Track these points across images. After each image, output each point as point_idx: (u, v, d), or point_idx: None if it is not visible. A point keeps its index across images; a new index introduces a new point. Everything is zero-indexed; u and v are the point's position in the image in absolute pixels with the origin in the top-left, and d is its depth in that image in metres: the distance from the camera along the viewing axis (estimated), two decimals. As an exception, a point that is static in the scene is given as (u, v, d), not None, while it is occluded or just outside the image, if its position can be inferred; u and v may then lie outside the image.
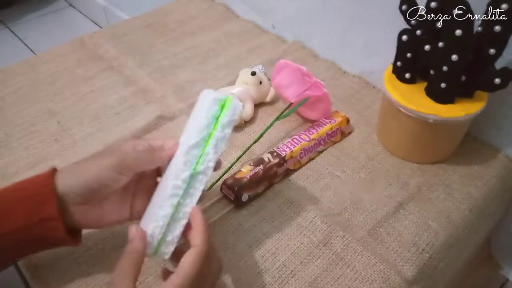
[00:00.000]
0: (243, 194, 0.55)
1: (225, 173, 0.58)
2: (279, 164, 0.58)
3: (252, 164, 0.58)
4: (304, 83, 0.62)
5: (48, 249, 0.45)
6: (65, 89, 0.77)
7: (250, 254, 0.51)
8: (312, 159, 0.63)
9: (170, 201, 0.41)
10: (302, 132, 0.63)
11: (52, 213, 0.40)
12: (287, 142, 0.61)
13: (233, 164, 0.60)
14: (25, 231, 0.41)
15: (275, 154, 0.59)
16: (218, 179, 0.58)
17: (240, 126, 0.68)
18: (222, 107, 0.44)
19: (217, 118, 0.44)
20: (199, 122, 0.43)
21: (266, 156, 0.59)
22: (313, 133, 0.63)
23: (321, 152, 0.64)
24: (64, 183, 0.41)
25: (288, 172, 0.60)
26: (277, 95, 0.71)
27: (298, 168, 0.61)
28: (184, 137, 0.44)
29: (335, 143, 0.65)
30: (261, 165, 0.57)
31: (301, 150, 0.60)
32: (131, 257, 0.39)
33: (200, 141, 0.43)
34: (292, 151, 0.60)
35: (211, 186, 0.58)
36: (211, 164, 0.43)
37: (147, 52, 0.86)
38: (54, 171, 0.43)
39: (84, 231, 0.53)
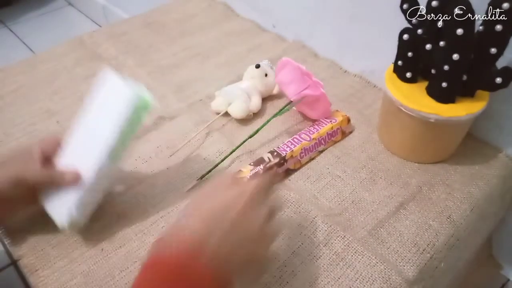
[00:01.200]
0: None
1: (217, 165, 0.60)
2: (279, 164, 0.58)
3: (252, 164, 0.58)
4: (303, 82, 0.62)
5: None
6: (64, 89, 0.77)
7: (250, 254, 0.51)
8: (313, 158, 0.62)
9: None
10: (302, 131, 0.63)
11: None
12: (287, 142, 0.61)
13: (226, 157, 0.61)
14: None
15: (275, 154, 0.59)
16: (210, 170, 0.59)
17: (249, 118, 0.69)
18: (141, 105, 0.45)
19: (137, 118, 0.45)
20: (117, 123, 0.44)
21: (266, 156, 0.58)
22: (313, 132, 0.62)
23: (321, 151, 0.63)
24: None
25: (289, 172, 0.60)
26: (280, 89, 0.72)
27: (299, 168, 0.61)
28: (95, 126, 0.46)
29: (335, 142, 0.65)
30: (261, 165, 0.57)
31: (302, 149, 0.60)
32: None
33: (118, 138, 0.45)
34: (292, 150, 0.59)
35: (202, 177, 0.59)
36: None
37: (147, 51, 0.86)
38: None
39: (83, 231, 0.53)
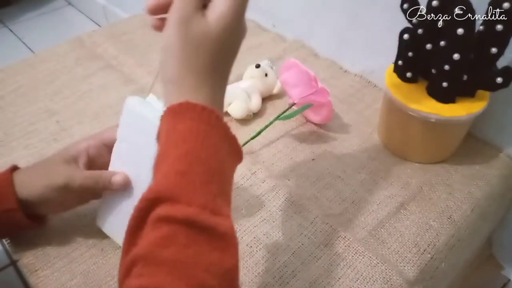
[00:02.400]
0: None
1: None
2: None
3: None
4: (310, 87, 0.62)
5: (17, 233, 0.50)
6: (64, 88, 0.76)
7: (250, 254, 0.51)
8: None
9: None
10: None
11: (12, 205, 0.45)
12: None
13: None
14: None
15: None
16: None
17: (249, 118, 0.68)
18: None
19: None
20: (151, 155, 0.44)
21: None
22: None
23: None
24: (22, 190, 0.45)
25: None
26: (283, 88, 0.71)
27: None
28: (134, 162, 0.46)
29: None
30: None
31: None
32: None
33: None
34: None
35: None
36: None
37: (147, 51, 0.85)
38: (13, 169, 0.47)
39: (83, 231, 0.53)
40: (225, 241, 0.30)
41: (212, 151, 0.33)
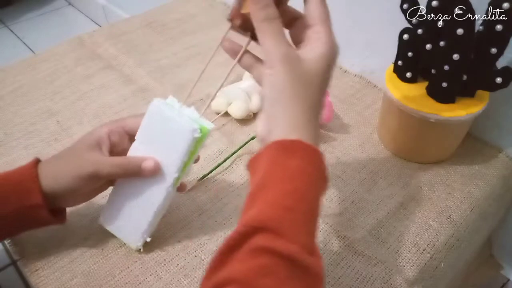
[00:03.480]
0: None
1: (218, 165, 0.60)
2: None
3: None
4: None
5: (36, 228, 0.48)
6: (64, 88, 0.77)
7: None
8: None
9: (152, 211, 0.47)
10: None
11: (37, 201, 0.44)
12: None
13: (227, 158, 0.61)
14: (16, 216, 0.44)
15: None
16: (211, 171, 0.59)
17: (249, 118, 0.69)
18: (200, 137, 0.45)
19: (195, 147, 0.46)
20: (180, 156, 0.45)
21: None
22: None
23: None
24: (47, 183, 0.44)
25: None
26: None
27: None
28: (161, 162, 0.46)
29: None
30: None
31: None
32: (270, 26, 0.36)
33: (181, 169, 0.46)
34: None
35: (203, 177, 0.59)
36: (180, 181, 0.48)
37: (147, 51, 0.86)
38: (36, 162, 0.46)
39: (84, 231, 0.53)
40: (316, 280, 0.31)
41: (315, 192, 0.34)
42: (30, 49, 1.72)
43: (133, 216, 0.48)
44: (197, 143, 0.45)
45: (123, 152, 0.47)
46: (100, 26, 1.74)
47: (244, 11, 0.38)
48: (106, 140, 0.46)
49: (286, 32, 0.39)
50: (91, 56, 0.84)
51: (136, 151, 0.47)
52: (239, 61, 0.40)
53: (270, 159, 0.34)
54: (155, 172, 0.45)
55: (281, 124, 0.35)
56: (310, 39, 0.37)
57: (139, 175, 0.45)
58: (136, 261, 0.50)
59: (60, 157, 0.47)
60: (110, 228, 0.50)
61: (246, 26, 0.38)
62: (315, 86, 0.36)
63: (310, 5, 0.37)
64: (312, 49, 0.36)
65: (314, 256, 0.31)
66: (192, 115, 0.45)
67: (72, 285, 0.48)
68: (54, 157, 0.47)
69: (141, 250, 0.50)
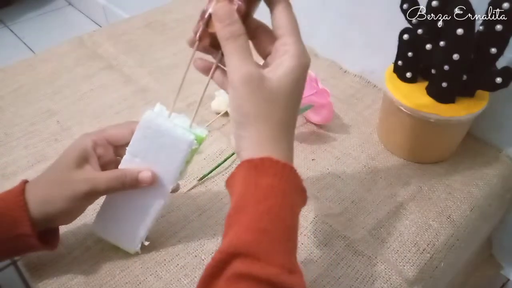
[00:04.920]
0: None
1: (218, 165, 0.60)
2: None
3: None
4: (310, 88, 0.62)
5: (27, 253, 0.48)
6: (64, 88, 0.77)
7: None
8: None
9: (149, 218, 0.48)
10: None
11: (26, 230, 0.42)
12: None
13: (227, 158, 0.61)
14: (4, 244, 0.43)
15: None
16: (211, 171, 0.60)
17: None
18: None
19: (189, 159, 0.46)
20: (177, 167, 0.45)
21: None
22: None
23: None
24: (38, 210, 0.43)
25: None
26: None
27: None
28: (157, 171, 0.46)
29: None
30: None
31: None
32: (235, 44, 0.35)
33: (178, 177, 0.46)
34: None
35: (202, 177, 0.59)
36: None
37: (147, 51, 0.86)
38: (23, 187, 0.43)
39: (83, 231, 0.53)
40: None
41: (290, 209, 0.34)
42: (30, 49, 1.73)
43: (130, 225, 0.48)
44: (193, 151, 0.45)
45: (109, 164, 0.47)
46: (100, 26, 1.74)
47: (212, 30, 0.37)
48: (92, 153, 0.45)
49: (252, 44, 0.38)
50: (91, 56, 0.84)
51: (129, 163, 0.46)
52: (212, 77, 0.39)
53: (243, 178, 0.34)
54: (153, 183, 0.45)
55: (249, 143, 0.35)
56: (277, 52, 0.36)
57: (136, 187, 0.44)
58: (136, 261, 0.50)
59: (48, 178, 0.44)
60: (106, 236, 0.50)
61: (214, 45, 0.38)
62: (282, 103, 0.34)
63: (276, 15, 0.36)
64: (278, 64, 0.35)
65: (295, 274, 0.31)
66: (183, 123, 0.44)
67: (72, 285, 0.48)
68: (41, 177, 0.45)
69: (139, 252, 0.50)
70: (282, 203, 0.33)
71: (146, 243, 0.49)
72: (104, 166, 0.46)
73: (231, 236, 0.31)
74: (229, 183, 0.36)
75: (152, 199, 0.47)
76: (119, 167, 0.46)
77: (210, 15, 0.36)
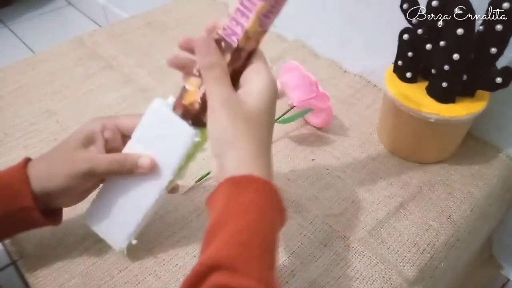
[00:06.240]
0: (204, 118, 0.42)
1: None
2: (234, 60, 0.39)
3: (197, 74, 0.41)
4: (310, 91, 0.62)
5: (31, 229, 0.47)
6: (64, 88, 0.77)
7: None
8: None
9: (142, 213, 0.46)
10: None
11: (28, 203, 0.42)
12: (234, 15, 0.39)
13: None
14: (6, 218, 0.43)
15: (223, 45, 0.39)
16: (209, 173, 0.59)
17: None
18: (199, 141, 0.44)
19: (191, 154, 0.45)
20: (177, 159, 0.44)
21: None
22: None
23: None
24: (39, 184, 0.43)
25: (250, 54, 0.40)
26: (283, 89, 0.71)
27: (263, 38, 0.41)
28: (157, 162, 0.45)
29: None
30: None
31: (260, 17, 0.38)
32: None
33: (176, 173, 0.45)
34: (246, 29, 0.38)
35: (201, 178, 0.59)
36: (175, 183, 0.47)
37: (147, 51, 0.86)
38: (26, 162, 0.45)
39: (82, 231, 0.53)
40: None
41: (270, 225, 0.35)
42: (30, 49, 1.73)
43: (121, 216, 0.47)
44: (196, 147, 0.44)
45: (115, 150, 0.46)
46: (100, 26, 1.74)
47: (184, 102, 0.42)
48: (99, 136, 0.45)
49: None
50: (91, 56, 0.84)
51: (131, 149, 0.46)
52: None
53: (225, 195, 0.35)
54: (151, 170, 0.44)
55: (230, 162, 0.36)
56: (249, 76, 0.39)
57: (134, 172, 0.44)
58: (135, 261, 0.50)
59: (52, 155, 0.45)
60: (95, 227, 0.48)
61: (186, 115, 0.42)
62: (259, 123, 0.37)
63: None
64: (252, 87, 0.38)
65: None
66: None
67: (71, 286, 0.48)
68: (45, 155, 0.46)
69: (125, 253, 0.48)
70: (262, 219, 0.34)
71: (134, 242, 0.47)
72: (111, 151, 0.46)
73: (211, 249, 0.32)
74: (210, 201, 0.37)
75: (146, 191, 0.45)
76: (123, 151, 0.46)
77: (185, 89, 0.42)
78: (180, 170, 0.45)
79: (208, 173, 0.59)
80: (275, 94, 0.39)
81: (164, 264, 0.50)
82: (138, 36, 0.90)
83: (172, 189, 0.48)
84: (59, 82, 0.78)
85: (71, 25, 1.89)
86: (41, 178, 0.43)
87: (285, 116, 0.64)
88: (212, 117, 0.37)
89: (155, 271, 0.49)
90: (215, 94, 0.37)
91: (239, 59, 0.40)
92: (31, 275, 0.49)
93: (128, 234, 0.47)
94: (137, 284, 0.48)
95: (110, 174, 0.45)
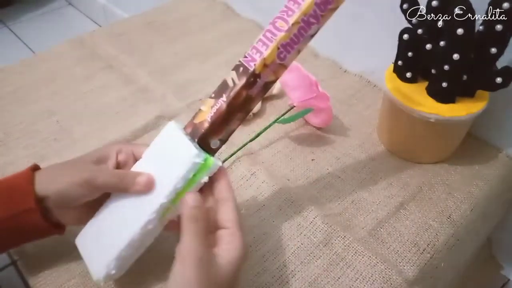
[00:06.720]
0: (211, 141, 0.43)
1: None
2: (249, 85, 0.40)
3: (213, 95, 0.42)
4: (310, 91, 0.62)
5: (34, 240, 0.46)
6: (64, 88, 0.77)
7: (250, 254, 0.51)
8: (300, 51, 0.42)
9: (138, 240, 0.42)
10: (275, 18, 0.41)
11: (30, 204, 0.42)
12: (257, 43, 0.41)
13: (226, 159, 0.61)
14: (7, 223, 0.42)
15: (241, 70, 0.41)
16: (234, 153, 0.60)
17: (248, 119, 0.68)
18: (202, 166, 0.41)
19: (194, 178, 0.42)
20: (173, 181, 0.41)
21: (230, 77, 0.42)
22: (292, 13, 0.40)
23: (313, 35, 0.42)
24: (42, 187, 0.43)
25: (267, 86, 0.42)
26: (283, 89, 0.71)
27: (282, 73, 0.42)
28: (156, 182, 0.43)
29: (335, 10, 0.42)
30: (224, 95, 0.41)
31: (279, 47, 0.40)
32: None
33: (172, 197, 0.42)
34: (264, 57, 0.40)
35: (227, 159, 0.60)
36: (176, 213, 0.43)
37: (147, 51, 0.86)
38: (34, 167, 0.45)
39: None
40: None
41: None
42: (30, 49, 1.73)
43: (107, 239, 0.43)
44: (197, 171, 0.41)
45: None
46: (100, 26, 1.74)
47: (195, 120, 0.43)
48: (113, 157, 0.46)
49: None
50: (91, 56, 0.84)
51: (137, 167, 0.45)
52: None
53: None
54: (147, 188, 0.42)
55: None
56: (223, 240, 0.39)
57: (131, 188, 0.43)
58: (135, 261, 0.50)
59: (62, 163, 0.46)
60: (80, 248, 0.46)
61: (194, 134, 0.43)
62: (224, 287, 0.37)
63: (225, 210, 0.41)
64: (225, 252, 0.39)
65: None
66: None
67: (71, 286, 0.48)
68: (55, 164, 0.46)
69: (102, 285, 0.44)
70: None
71: (113, 272, 0.42)
72: None
73: None
74: None
75: (137, 212, 0.42)
76: (131, 169, 0.46)
77: (200, 110, 0.43)
78: (177, 197, 0.41)
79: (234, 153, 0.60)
80: (244, 263, 0.39)
81: (164, 264, 0.49)
82: (138, 36, 0.90)
83: (169, 225, 0.44)
84: (59, 82, 0.78)
85: (71, 25, 1.89)
86: (44, 181, 0.43)
87: (285, 116, 0.64)
88: (181, 270, 0.37)
89: (155, 271, 0.49)
90: (190, 249, 0.37)
91: (254, 85, 0.41)
92: (31, 275, 0.49)
93: (107, 261, 0.42)
94: (137, 284, 0.48)
95: (109, 189, 0.44)
